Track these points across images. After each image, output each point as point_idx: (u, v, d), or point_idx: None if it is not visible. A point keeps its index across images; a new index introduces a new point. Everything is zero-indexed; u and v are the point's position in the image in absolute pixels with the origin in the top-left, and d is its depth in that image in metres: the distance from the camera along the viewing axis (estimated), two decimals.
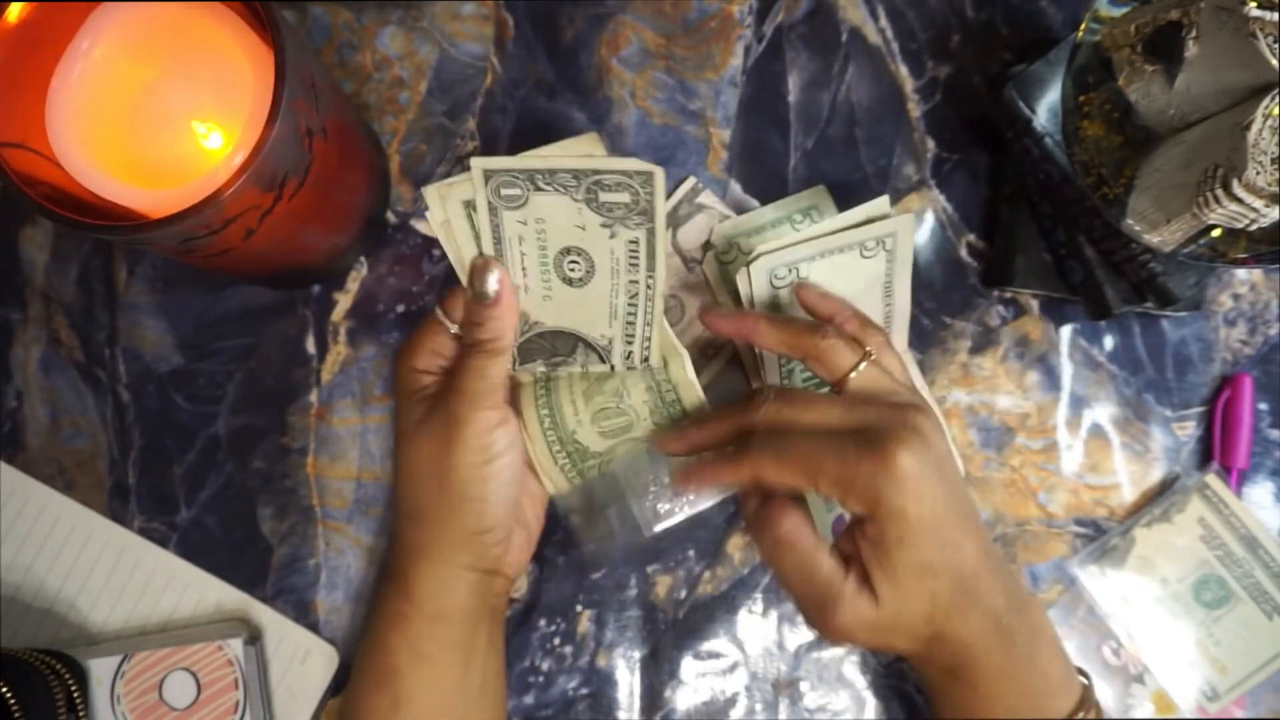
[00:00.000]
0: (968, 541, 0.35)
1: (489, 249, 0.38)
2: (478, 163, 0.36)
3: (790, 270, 0.42)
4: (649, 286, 0.39)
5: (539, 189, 0.36)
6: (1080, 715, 0.37)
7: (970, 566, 0.35)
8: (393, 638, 0.39)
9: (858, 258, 0.43)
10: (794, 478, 0.36)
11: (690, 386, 0.41)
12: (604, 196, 0.36)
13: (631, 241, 0.37)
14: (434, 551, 0.39)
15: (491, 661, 0.42)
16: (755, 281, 0.42)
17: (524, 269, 0.39)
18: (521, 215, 0.37)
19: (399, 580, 0.40)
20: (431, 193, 0.38)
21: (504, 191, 0.36)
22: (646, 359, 0.41)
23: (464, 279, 0.39)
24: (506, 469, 0.39)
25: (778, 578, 0.39)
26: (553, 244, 0.38)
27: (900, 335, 0.47)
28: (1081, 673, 0.39)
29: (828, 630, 0.36)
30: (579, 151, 0.39)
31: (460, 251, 0.39)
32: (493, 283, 0.38)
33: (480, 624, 0.41)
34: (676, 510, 0.47)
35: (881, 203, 0.42)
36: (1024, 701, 0.36)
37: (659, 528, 0.47)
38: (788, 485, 0.36)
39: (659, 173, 0.35)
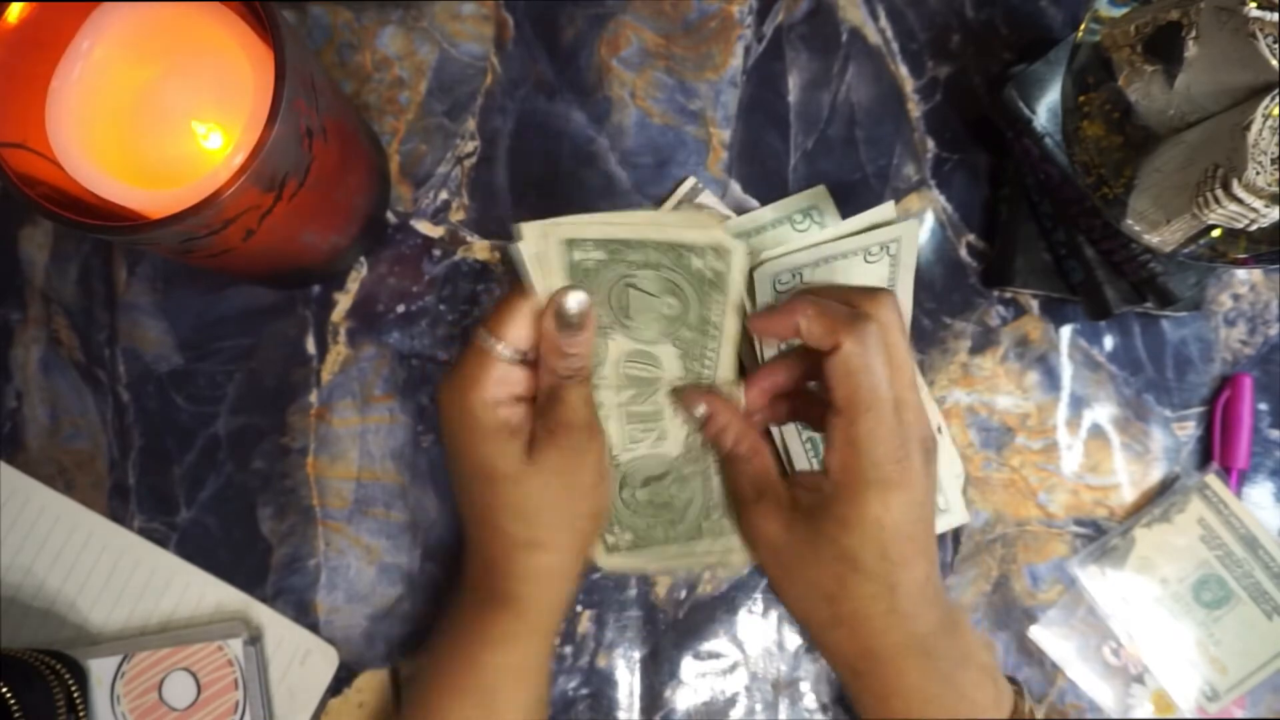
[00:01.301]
0: (910, 567, 0.36)
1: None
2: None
3: (794, 275, 0.42)
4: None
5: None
6: None
7: (902, 588, 0.35)
8: (494, 659, 0.39)
9: (861, 263, 0.42)
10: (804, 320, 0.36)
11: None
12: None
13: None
14: (558, 574, 0.39)
15: (550, 662, 0.42)
16: (759, 288, 0.42)
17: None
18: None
19: (511, 602, 0.39)
20: (534, 229, 0.36)
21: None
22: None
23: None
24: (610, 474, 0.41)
25: (725, 466, 0.41)
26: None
27: None
28: (1015, 685, 0.39)
29: (743, 523, 0.39)
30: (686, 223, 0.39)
31: (551, 285, 0.38)
32: (575, 304, 0.37)
33: (561, 624, 0.42)
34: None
35: (886, 209, 0.42)
36: None
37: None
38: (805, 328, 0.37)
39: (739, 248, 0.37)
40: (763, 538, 0.39)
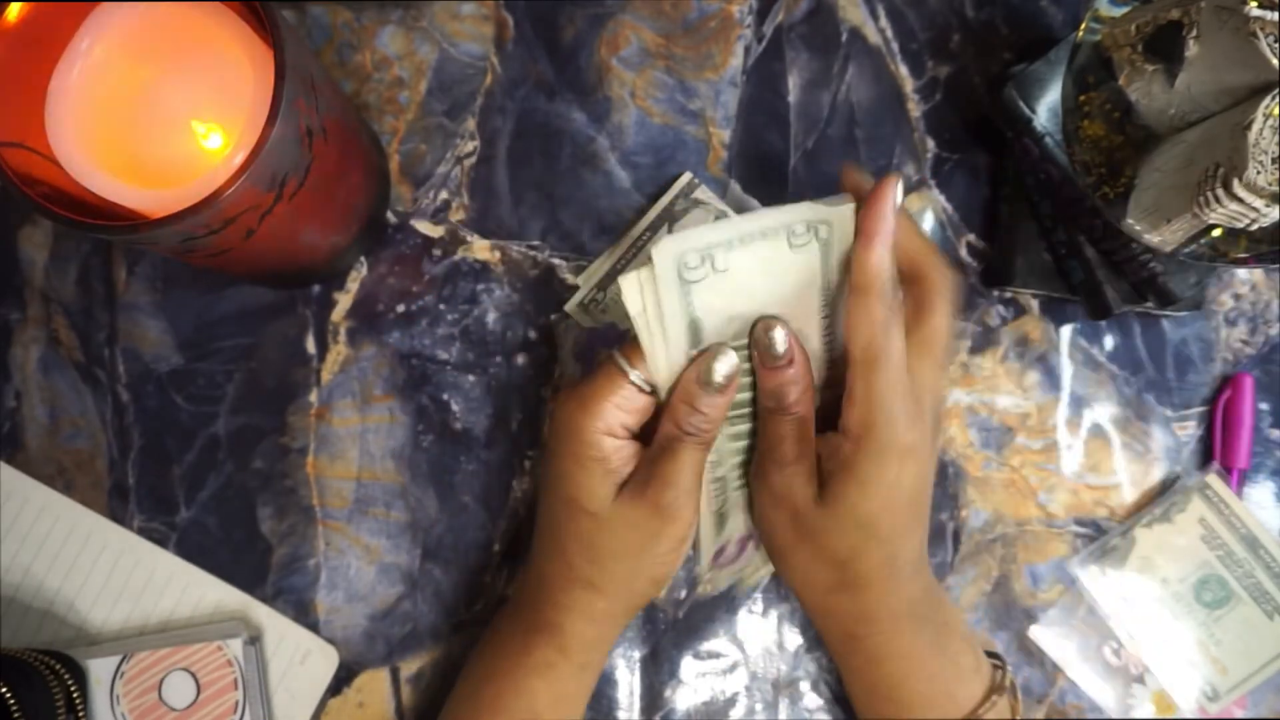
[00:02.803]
0: (912, 534, 0.37)
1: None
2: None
3: (704, 259, 0.35)
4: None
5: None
6: (992, 699, 0.38)
7: (903, 554, 0.37)
8: (538, 685, 0.39)
9: (785, 246, 0.36)
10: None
11: None
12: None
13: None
14: (608, 619, 0.39)
15: (588, 697, 0.43)
16: (661, 272, 0.34)
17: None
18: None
19: (554, 634, 0.39)
20: (630, 281, 0.34)
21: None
22: None
23: (652, 355, 0.36)
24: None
25: (770, 422, 0.38)
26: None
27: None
28: (997, 660, 0.40)
29: (776, 481, 0.37)
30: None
31: (666, 331, 0.36)
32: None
33: (603, 664, 0.42)
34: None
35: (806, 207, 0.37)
36: (931, 686, 0.37)
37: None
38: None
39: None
40: (790, 500, 0.37)
